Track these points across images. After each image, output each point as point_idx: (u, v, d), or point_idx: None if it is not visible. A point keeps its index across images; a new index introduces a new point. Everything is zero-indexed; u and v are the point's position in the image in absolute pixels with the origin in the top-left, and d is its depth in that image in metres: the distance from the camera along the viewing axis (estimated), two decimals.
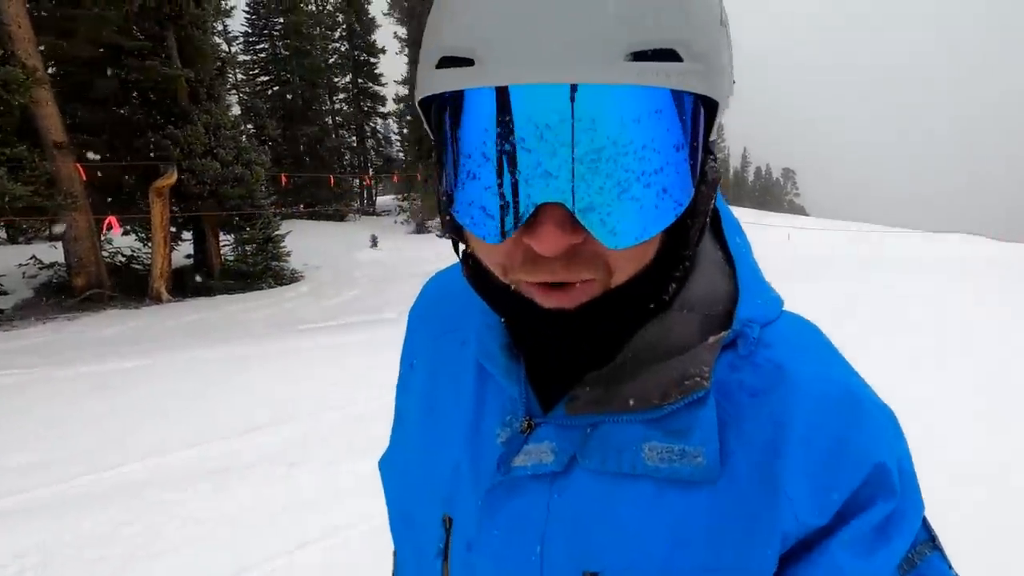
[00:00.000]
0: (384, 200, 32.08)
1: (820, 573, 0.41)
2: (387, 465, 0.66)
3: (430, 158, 24.90)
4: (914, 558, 0.43)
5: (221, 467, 3.61)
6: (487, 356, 0.52)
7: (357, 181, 27.01)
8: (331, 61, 25.97)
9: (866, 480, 0.42)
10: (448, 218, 0.44)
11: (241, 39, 23.29)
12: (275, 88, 24.16)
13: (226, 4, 18.13)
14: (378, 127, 28.87)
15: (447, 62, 0.36)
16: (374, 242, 16.90)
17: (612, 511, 0.45)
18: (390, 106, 28.68)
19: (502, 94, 0.35)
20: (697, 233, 0.43)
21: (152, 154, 11.69)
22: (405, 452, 0.61)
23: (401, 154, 30.23)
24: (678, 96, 0.36)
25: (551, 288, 0.40)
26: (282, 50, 23.58)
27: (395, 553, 0.77)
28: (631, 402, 0.44)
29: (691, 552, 0.43)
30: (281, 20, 23.06)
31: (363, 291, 11.27)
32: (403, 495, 0.61)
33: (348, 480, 3.40)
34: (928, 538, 0.45)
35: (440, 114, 0.39)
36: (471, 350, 0.55)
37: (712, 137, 0.42)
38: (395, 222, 22.66)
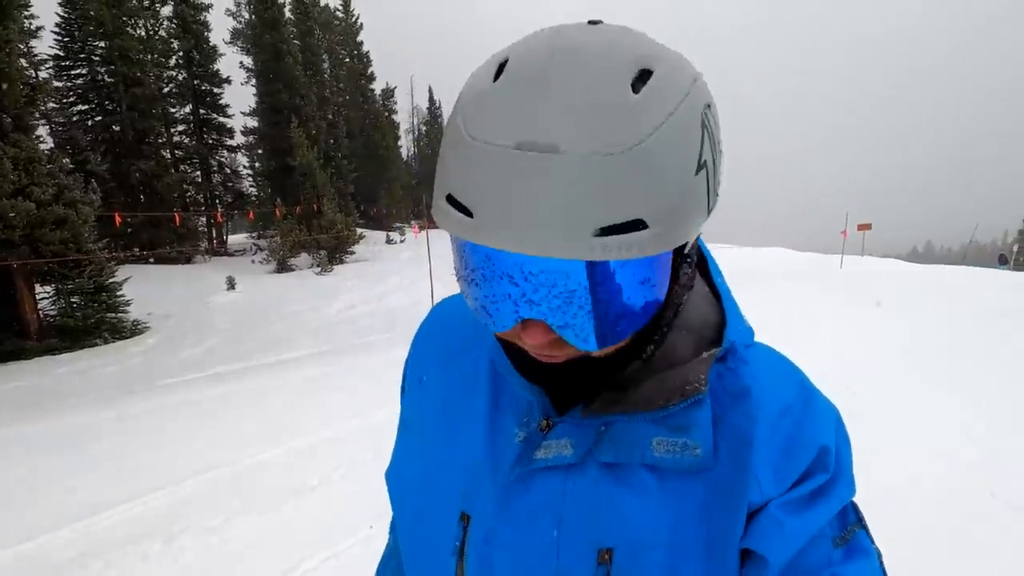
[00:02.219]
0: (237, 239, 29.56)
1: (762, 525, 0.50)
2: (396, 474, 0.69)
3: (286, 191, 23.73)
4: (847, 535, 0.52)
5: (77, 555, 3.11)
6: (508, 370, 0.58)
7: (205, 219, 24.69)
8: (167, 90, 23.69)
9: (813, 460, 0.52)
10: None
11: (51, 63, 20.31)
12: (98, 118, 21.38)
13: (30, 24, 15.85)
14: (225, 161, 26.70)
15: (452, 201, 0.43)
16: (231, 284, 15.54)
17: (621, 497, 0.52)
18: (239, 138, 26.82)
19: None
20: (671, 315, 0.53)
21: None
22: (420, 458, 0.65)
23: (253, 189, 28.23)
24: None
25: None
26: (105, 77, 21.01)
27: (389, 556, 0.82)
28: (640, 404, 0.52)
29: (688, 527, 0.51)
30: (103, 44, 20.59)
31: (225, 337, 10.29)
32: (418, 497, 0.63)
33: (239, 546, 3.11)
34: (857, 520, 0.54)
35: None
36: (484, 364, 0.61)
37: (688, 249, 0.49)
38: (252, 261, 21.05)
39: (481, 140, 0.40)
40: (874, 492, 3.25)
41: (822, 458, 0.52)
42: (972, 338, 7.07)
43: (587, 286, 0.42)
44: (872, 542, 0.55)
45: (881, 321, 8.23)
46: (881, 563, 0.54)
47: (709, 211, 0.46)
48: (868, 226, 19.33)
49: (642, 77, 0.40)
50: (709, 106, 0.44)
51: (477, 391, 0.61)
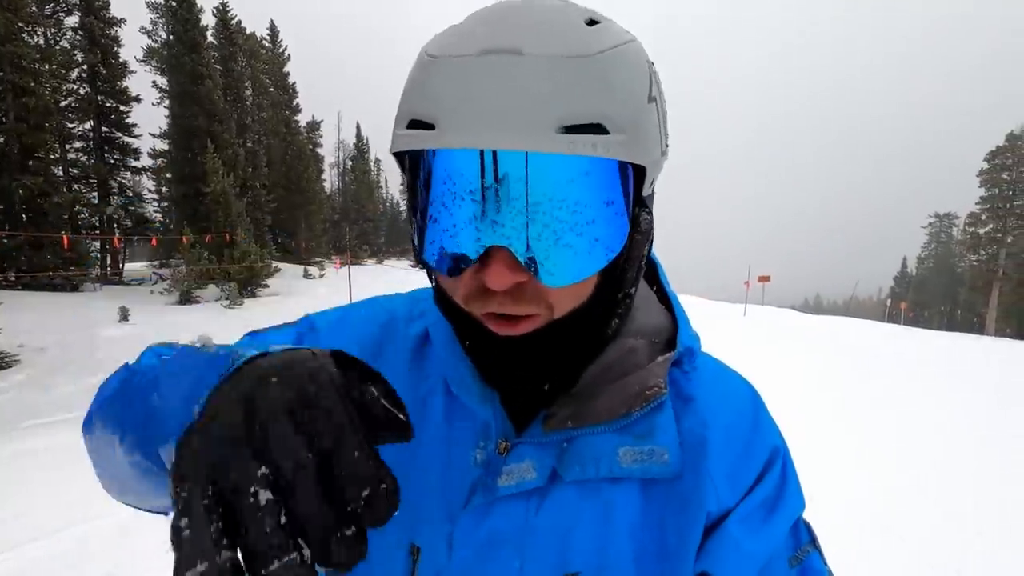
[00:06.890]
0: (136, 267, 27.23)
1: (720, 545, 0.49)
2: None
3: (196, 219, 22.25)
4: (800, 556, 0.51)
5: None
6: (461, 386, 0.54)
7: (97, 244, 22.56)
8: (64, 104, 21.85)
9: (766, 461, 0.52)
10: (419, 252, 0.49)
11: None
12: None
13: None
14: (128, 183, 24.72)
15: (414, 124, 0.42)
16: (124, 315, 14.16)
17: (588, 516, 0.49)
18: (145, 160, 25.01)
19: (457, 155, 0.40)
20: (633, 275, 0.50)
21: None
22: None
23: (159, 215, 26.29)
24: (606, 161, 0.41)
25: (501, 319, 0.46)
26: None
27: None
28: (602, 415, 0.50)
29: (652, 540, 0.49)
30: None
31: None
32: None
33: None
34: (810, 540, 0.53)
35: (411, 166, 0.45)
36: (436, 384, 0.57)
37: (645, 192, 0.47)
38: (151, 292, 19.36)
39: (444, 55, 0.41)
40: None
41: (773, 458, 0.53)
42: (857, 377, 7.70)
43: (551, 196, 0.40)
44: (825, 563, 0.54)
45: (782, 359, 8.81)
46: None
47: (663, 152, 0.48)
48: (767, 278, 20.95)
49: (592, 22, 0.44)
50: (652, 63, 0.47)
51: (427, 413, 0.56)
